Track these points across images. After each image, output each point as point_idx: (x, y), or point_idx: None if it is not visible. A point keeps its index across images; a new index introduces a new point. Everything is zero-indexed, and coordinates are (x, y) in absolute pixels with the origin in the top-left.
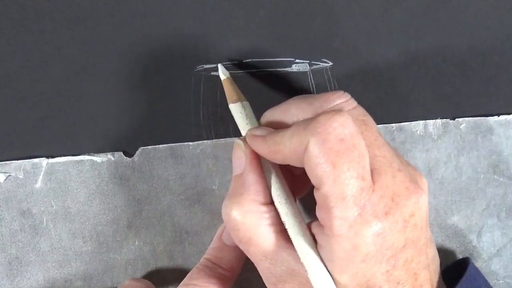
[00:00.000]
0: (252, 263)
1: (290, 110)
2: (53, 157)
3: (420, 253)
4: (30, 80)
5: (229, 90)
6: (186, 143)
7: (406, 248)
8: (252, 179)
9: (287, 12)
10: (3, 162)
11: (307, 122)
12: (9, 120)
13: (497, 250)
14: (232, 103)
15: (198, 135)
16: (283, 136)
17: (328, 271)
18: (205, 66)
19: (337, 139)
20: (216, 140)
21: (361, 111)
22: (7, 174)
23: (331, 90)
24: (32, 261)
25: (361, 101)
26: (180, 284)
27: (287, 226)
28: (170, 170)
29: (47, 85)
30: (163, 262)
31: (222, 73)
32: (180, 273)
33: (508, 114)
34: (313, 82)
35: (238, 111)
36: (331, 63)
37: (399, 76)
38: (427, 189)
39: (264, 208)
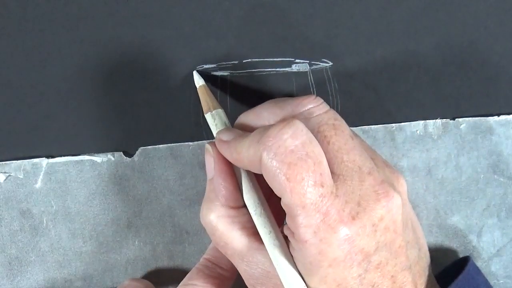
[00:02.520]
0: None
1: (262, 114)
2: (53, 157)
3: (396, 255)
4: (30, 80)
5: (202, 99)
6: (186, 143)
7: (379, 251)
8: (221, 185)
9: (287, 12)
10: (3, 162)
11: (261, 134)
12: (9, 120)
13: (497, 250)
14: (205, 113)
15: (198, 135)
16: (242, 145)
17: (300, 274)
18: (205, 66)
19: (288, 151)
20: None
21: (331, 116)
22: (7, 174)
23: (331, 90)
24: (32, 261)
25: (361, 101)
26: (180, 284)
27: (258, 230)
28: (170, 170)
29: (47, 85)
30: (163, 262)
31: (197, 81)
32: (180, 273)
33: (508, 114)
34: (313, 82)
35: (209, 121)
36: (331, 63)
37: (399, 76)
38: (405, 190)
39: (234, 212)
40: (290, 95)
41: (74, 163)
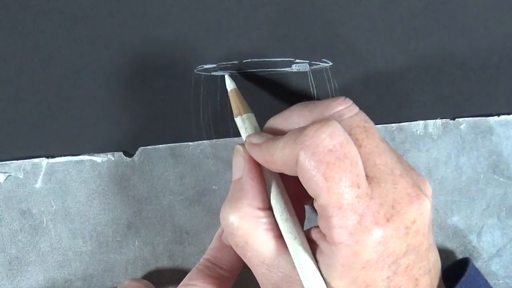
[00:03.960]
0: None
1: (292, 118)
2: (53, 157)
3: (421, 258)
4: (30, 80)
5: (233, 102)
6: (186, 143)
7: (408, 254)
8: (250, 184)
9: (287, 12)
10: (3, 162)
11: (297, 134)
12: (9, 120)
13: (497, 250)
14: (235, 116)
15: (198, 135)
16: (276, 146)
17: (325, 278)
18: (205, 66)
19: (326, 151)
20: (216, 140)
21: (362, 118)
22: (7, 174)
23: (331, 90)
24: (32, 261)
25: (361, 101)
26: (180, 284)
27: (284, 235)
28: (170, 170)
29: (47, 85)
30: (163, 262)
31: (228, 85)
32: (180, 273)
33: (508, 114)
34: (313, 82)
35: (239, 125)
36: (331, 63)
37: (399, 76)
38: (430, 194)
39: (261, 213)
40: (290, 95)
41: (74, 163)
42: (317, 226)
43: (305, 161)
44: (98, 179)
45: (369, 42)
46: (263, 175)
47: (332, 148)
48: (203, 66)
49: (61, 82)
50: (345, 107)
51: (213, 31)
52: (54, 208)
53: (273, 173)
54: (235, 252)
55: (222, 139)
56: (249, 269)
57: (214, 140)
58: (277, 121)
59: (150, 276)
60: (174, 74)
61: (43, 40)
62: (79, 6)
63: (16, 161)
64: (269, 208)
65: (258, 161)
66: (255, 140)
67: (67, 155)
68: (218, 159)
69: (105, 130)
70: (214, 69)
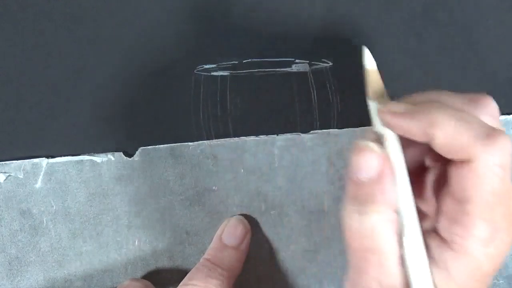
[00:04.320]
0: (252, 263)
1: (440, 96)
2: (53, 157)
3: None
4: (30, 80)
5: (373, 83)
6: (186, 143)
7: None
8: (387, 185)
9: (287, 12)
10: (3, 162)
11: (483, 129)
12: (9, 120)
13: None
14: (371, 100)
15: (198, 135)
16: (444, 120)
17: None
18: (205, 66)
19: (509, 157)
20: (216, 140)
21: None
22: (7, 174)
23: (331, 90)
24: (32, 261)
25: (361, 101)
26: (180, 284)
27: (404, 238)
28: (170, 170)
29: (47, 85)
30: (163, 262)
31: (368, 63)
32: (180, 273)
33: (508, 114)
34: (313, 82)
35: (372, 108)
36: (331, 63)
37: (399, 76)
38: None
39: (395, 217)
40: (290, 95)
41: (74, 163)
42: (431, 232)
43: (488, 159)
44: (98, 179)
45: (369, 42)
46: (396, 175)
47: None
48: (203, 66)
49: (61, 82)
50: (495, 110)
51: (213, 31)
52: (54, 208)
53: (402, 172)
54: (235, 251)
55: (222, 139)
56: (249, 269)
57: (214, 140)
58: (418, 98)
59: (150, 276)
60: (174, 74)
61: (43, 40)
62: (79, 6)
63: (16, 161)
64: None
65: (405, 133)
66: (401, 109)
67: (67, 155)
68: (218, 159)
69: (105, 130)
70: (214, 69)
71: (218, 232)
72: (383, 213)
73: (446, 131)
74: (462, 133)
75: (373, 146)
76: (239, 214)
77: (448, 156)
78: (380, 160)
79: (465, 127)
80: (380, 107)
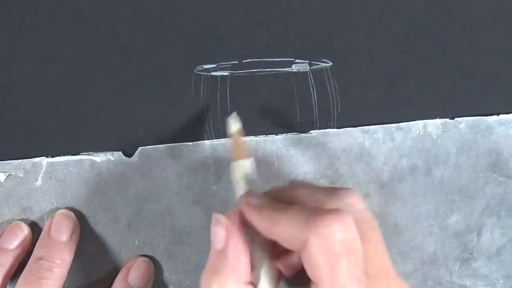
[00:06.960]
0: None
1: (298, 192)
2: (53, 156)
3: None
4: (30, 80)
5: (236, 146)
6: (186, 143)
7: None
8: (234, 257)
9: (287, 12)
10: (3, 162)
11: (309, 215)
12: (9, 120)
13: (497, 249)
14: (233, 160)
15: (198, 135)
16: (281, 217)
17: None
18: (205, 66)
19: (338, 242)
20: (216, 140)
21: (370, 215)
22: (7, 174)
23: (331, 90)
24: None
25: (361, 101)
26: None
27: None
28: (169, 170)
29: (47, 85)
30: (163, 262)
31: (233, 126)
32: (180, 273)
33: (508, 113)
34: (313, 82)
35: (236, 171)
36: (331, 63)
37: (399, 76)
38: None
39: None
40: (290, 95)
41: (74, 163)
42: None
43: (315, 247)
44: (97, 178)
45: (369, 42)
46: (250, 248)
47: (344, 241)
48: (203, 66)
49: (61, 82)
50: (355, 200)
51: (213, 31)
52: (55, 206)
53: (264, 245)
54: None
55: (222, 139)
56: None
57: (214, 140)
58: (281, 190)
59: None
60: (174, 74)
61: (43, 40)
62: (79, 6)
63: (16, 160)
64: (251, 282)
65: (254, 224)
66: (255, 201)
67: (66, 155)
68: (218, 159)
69: (105, 130)
70: (214, 69)
71: (122, 272)
72: (233, 285)
73: (282, 229)
74: (293, 227)
75: (220, 219)
76: None
77: (292, 249)
78: (225, 233)
79: (294, 221)
80: (244, 193)
